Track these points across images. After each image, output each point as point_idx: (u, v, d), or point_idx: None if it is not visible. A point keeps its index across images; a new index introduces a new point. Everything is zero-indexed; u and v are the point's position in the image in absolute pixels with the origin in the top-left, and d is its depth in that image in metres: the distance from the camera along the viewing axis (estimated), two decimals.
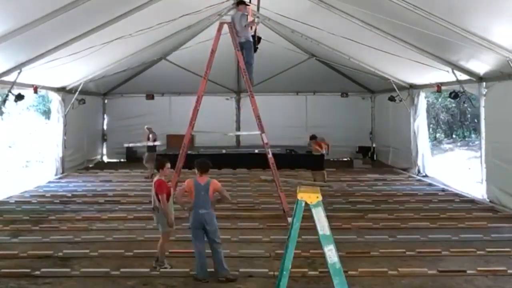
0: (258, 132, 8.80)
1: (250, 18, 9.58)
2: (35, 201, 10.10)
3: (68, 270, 5.88)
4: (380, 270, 5.62)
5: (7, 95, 10.29)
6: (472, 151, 22.63)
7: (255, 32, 9.80)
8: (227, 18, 9.15)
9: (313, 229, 7.61)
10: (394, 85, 14.06)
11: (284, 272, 3.75)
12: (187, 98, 14.40)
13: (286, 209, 8.33)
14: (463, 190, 11.19)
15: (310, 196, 3.83)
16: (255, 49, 9.68)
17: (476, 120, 25.97)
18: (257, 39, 9.71)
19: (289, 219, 7.84)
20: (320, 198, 3.79)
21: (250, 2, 9.81)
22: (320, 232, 3.73)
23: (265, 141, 8.73)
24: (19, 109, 22.37)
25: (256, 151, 15.46)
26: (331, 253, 3.73)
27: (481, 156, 10.53)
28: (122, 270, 5.83)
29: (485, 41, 7.77)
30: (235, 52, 8.68)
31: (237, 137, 17.73)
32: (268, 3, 9.75)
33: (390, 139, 16.36)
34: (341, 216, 8.60)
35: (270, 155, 8.65)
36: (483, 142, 10.43)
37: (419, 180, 12.97)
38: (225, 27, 8.72)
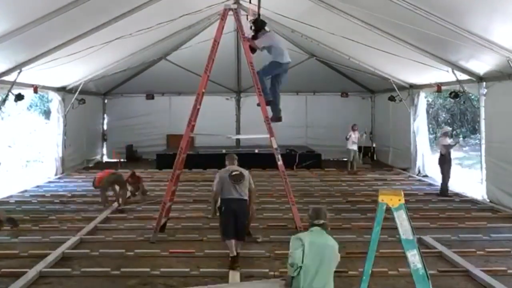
0: (266, 136, 7.44)
1: (250, 18, 9.51)
2: (35, 201, 10.10)
3: (68, 270, 5.88)
4: (380, 270, 5.62)
5: (7, 95, 10.30)
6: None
7: (259, 15, 8.89)
8: (230, 4, 7.94)
9: None
10: (394, 85, 14.06)
11: (364, 277, 3.67)
12: (187, 98, 14.37)
13: (298, 225, 7.19)
14: (463, 190, 11.20)
15: (391, 199, 3.67)
16: (255, 50, 9.50)
17: (466, 119, 26.17)
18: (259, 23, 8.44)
19: None
20: (403, 201, 3.66)
21: (250, 2, 9.76)
22: (403, 237, 3.59)
23: (275, 146, 7.35)
24: (19, 109, 22.39)
25: (256, 151, 15.49)
26: (414, 259, 3.58)
27: (481, 156, 10.53)
28: (122, 270, 5.83)
29: (485, 41, 7.78)
30: (235, 46, 8.10)
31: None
32: (268, 3, 9.73)
33: (390, 139, 16.36)
34: (341, 216, 8.63)
35: (280, 162, 7.35)
36: (483, 142, 10.43)
37: (419, 180, 12.97)
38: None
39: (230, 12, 7.71)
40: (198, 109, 7.47)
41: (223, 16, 7.52)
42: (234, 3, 10.30)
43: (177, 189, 11.11)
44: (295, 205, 7.45)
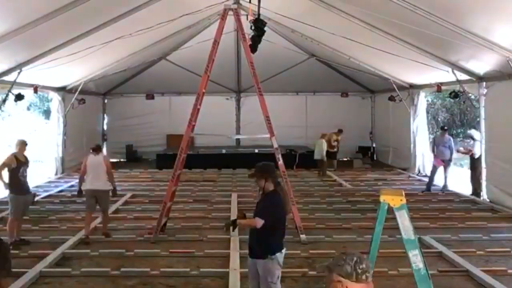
0: (266, 135, 7.43)
1: (250, 18, 9.50)
2: (35, 201, 10.06)
3: (68, 270, 5.88)
4: (380, 270, 5.62)
5: (7, 95, 10.30)
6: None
7: (259, 15, 8.81)
8: (230, 4, 7.81)
9: (312, 229, 7.68)
10: (394, 85, 14.06)
11: None
12: (187, 98, 14.41)
13: (298, 225, 7.21)
14: (463, 190, 11.19)
15: (393, 199, 3.66)
16: (255, 49, 9.49)
17: (466, 119, 26.15)
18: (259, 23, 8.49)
19: (302, 236, 7.14)
20: (404, 201, 3.66)
21: (250, 2, 9.76)
22: (404, 237, 3.60)
23: (275, 146, 7.36)
24: (19, 109, 22.39)
25: (256, 151, 15.50)
26: (416, 259, 3.59)
27: (481, 156, 10.53)
28: (122, 270, 5.83)
29: (485, 41, 7.78)
30: (235, 46, 8.05)
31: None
32: (268, 3, 9.73)
33: (390, 139, 16.36)
34: (341, 216, 8.63)
35: (280, 161, 7.33)
36: (483, 142, 10.43)
37: (419, 180, 12.97)
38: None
39: (230, 12, 7.71)
40: (199, 109, 7.45)
41: (223, 16, 7.50)
42: (234, 3, 10.33)
43: (177, 189, 11.17)
44: (295, 205, 7.44)
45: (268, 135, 7.40)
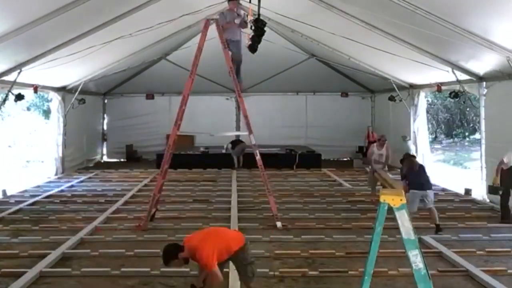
0: (245, 133, 8.60)
1: (250, 17, 9.52)
2: (35, 201, 10.09)
3: (68, 270, 5.88)
4: (380, 270, 5.61)
5: (7, 95, 10.30)
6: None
7: (259, 15, 9.10)
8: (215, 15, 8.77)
9: (312, 228, 7.68)
10: (394, 85, 14.07)
11: (366, 277, 3.66)
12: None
13: (274, 211, 8.14)
14: (463, 190, 11.19)
15: (393, 199, 3.68)
16: (255, 50, 9.56)
17: (466, 119, 26.26)
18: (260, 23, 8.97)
19: (278, 224, 7.90)
20: (404, 201, 3.67)
21: (250, 1, 9.77)
22: (405, 237, 3.60)
23: (253, 142, 8.43)
24: (19, 109, 22.40)
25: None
26: (416, 259, 3.59)
27: (481, 156, 10.54)
28: (122, 270, 5.83)
29: (485, 41, 7.78)
30: (223, 51, 8.38)
31: (237, 136, 17.74)
32: (268, 3, 9.74)
33: (390, 139, 16.33)
34: (341, 216, 8.63)
35: (258, 157, 8.35)
36: (483, 142, 10.43)
37: None
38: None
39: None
40: (183, 110, 8.09)
41: (205, 28, 8.09)
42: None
43: (177, 189, 11.19)
44: (272, 195, 8.33)
45: (246, 133, 8.40)
